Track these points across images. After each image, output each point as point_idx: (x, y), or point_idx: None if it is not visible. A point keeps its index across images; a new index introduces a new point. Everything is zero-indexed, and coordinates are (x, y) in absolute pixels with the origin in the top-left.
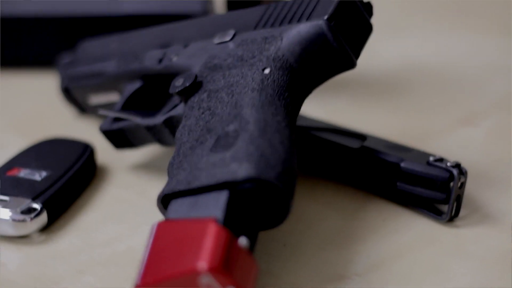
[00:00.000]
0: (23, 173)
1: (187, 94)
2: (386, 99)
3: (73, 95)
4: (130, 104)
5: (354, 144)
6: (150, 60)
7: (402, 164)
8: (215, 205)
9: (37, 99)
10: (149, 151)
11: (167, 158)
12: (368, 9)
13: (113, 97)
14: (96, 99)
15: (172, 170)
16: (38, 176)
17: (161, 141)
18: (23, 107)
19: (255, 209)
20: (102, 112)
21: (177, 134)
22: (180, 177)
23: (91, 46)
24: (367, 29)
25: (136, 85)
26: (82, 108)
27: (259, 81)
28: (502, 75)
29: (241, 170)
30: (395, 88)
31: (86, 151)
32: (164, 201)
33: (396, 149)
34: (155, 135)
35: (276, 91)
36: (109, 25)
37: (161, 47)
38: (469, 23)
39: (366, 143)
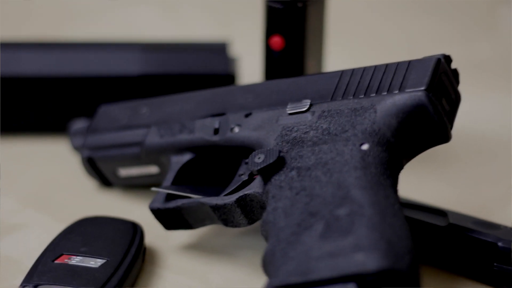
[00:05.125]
0: (75, 260)
1: (269, 171)
2: (434, 168)
3: (98, 166)
4: (180, 179)
5: (439, 221)
6: (203, 131)
7: (500, 244)
8: None
9: (48, 169)
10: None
11: (217, 237)
12: (456, 77)
13: (150, 169)
14: (128, 171)
15: (274, 259)
16: (94, 263)
17: (227, 221)
18: (34, 179)
19: None
20: (155, 189)
21: (268, 217)
22: (289, 267)
23: (114, 112)
24: (458, 98)
25: (185, 157)
26: (106, 180)
27: (359, 159)
28: None
29: (370, 261)
30: (442, 156)
31: (136, 232)
32: None
33: (484, 225)
34: (222, 215)
35: (379, 169)
36: (121, 85)
37: (211, 115)
38: (501, 83)
39: (452, 220)
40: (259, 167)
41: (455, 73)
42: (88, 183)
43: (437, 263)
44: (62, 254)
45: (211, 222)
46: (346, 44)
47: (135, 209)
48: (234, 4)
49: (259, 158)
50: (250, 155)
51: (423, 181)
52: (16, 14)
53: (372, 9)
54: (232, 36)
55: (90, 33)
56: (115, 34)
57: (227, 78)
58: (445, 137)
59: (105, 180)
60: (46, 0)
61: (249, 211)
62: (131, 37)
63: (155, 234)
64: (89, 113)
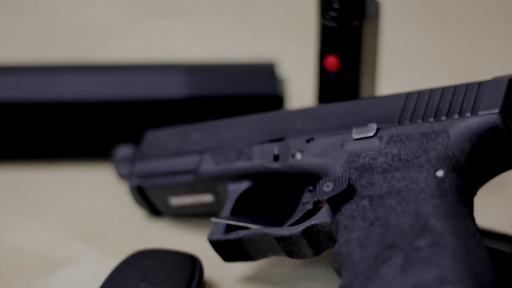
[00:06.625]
0: None
1: (339, 201)
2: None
3: (147, 194)
4: (238, 208)
5: (506, 248)
6: (262, 157)
7: None
8: None
9: (93, 198)
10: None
11: (277, 268)
12: None
13: (204, 198)
14: (180, 199)
15: None
16: None
17: (292, 253)
18: (79, 209)
19: None
20: (215, 219)
21: (341, 249)
22: None
23: (163, 137)
24: None
25: (243, 185)
26: (156, 209)
27: (435, 186)
28: None
29: None
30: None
31: (195, 265)
32: None
33: None
34: (287, 246)
35: (456, 197)
36: (166, 109)
37: (269, 140)
38: None
39: None
40: (328, 196)
41: None
42: (136, 212)
43: None
44: None
45: (274, 253)
46: (396, 65)
47: (188, 240)
48: (280, 23)
49: (327, 186)
50: (318, 183)
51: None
52: (40, 37)
53: (421, 28)
54: (280, 57)
55: (118, 52)
56: (145, 53)
57: (276, 100)
58: None
59: (155, 209)
60: (62, 20)
61: (316, 242)
62: (170, 56)
63: (212, 266)
64: (134, 139)
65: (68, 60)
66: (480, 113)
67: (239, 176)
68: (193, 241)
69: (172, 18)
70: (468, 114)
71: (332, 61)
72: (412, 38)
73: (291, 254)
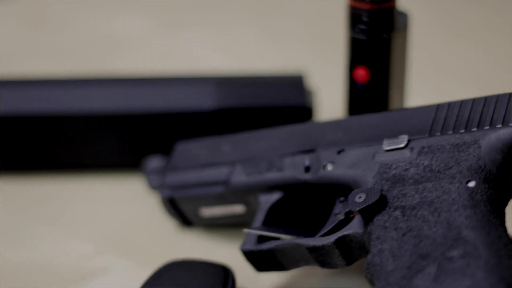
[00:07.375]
0: None
1: (371, 211)
2: None
3: (179, 205)
4: (269, 219)
5: None
6: (293, 169)
7: None
8: None
9: (122, 209)
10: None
11: (308, 278)
12: None
13: (235, 208)
14: (211, 210)
15: None
16: None
17: (324, 263)
18: (109, 220)
19: None
20: (247, 230)
21: (374, 259)
22: None
23: (194, 149)
24: None
25: (274, 196)
26: (187, 220)
27: (468, 197)
28: None
29: None
30: None
31: (228, 276)
32: None
33: None
34: (319, 256)
35: (488, 208)
36: (194, 121)
37: (300, 152)
38: None
39: None
40: (360, 207)
41: None
42: (167, 223)
43: None
44: None
45: (306, 263)
46: (425, 76)
47: (219, 250)
48: (309, 35)
49: (359, 197)
50: (350, 194)
51: None
52: (67, 51)
53: (449, 39)
54: (309, 69)
55: (145, 63)
56: (171, 64)
57: (304, 111)
58: None
59: (186, 220)
60: (88, 33)
61: (348, 252)
62: (198, 68)
63: (244, 276)
64: (164, 151)
65: (99, 73)
66: (511, 124)
67: (270, 187)
68: (224, 251)
69: (200, 29)
70: (499, 125)
71: (361, 73)
72: (440, 50)
73: (323, 264)
